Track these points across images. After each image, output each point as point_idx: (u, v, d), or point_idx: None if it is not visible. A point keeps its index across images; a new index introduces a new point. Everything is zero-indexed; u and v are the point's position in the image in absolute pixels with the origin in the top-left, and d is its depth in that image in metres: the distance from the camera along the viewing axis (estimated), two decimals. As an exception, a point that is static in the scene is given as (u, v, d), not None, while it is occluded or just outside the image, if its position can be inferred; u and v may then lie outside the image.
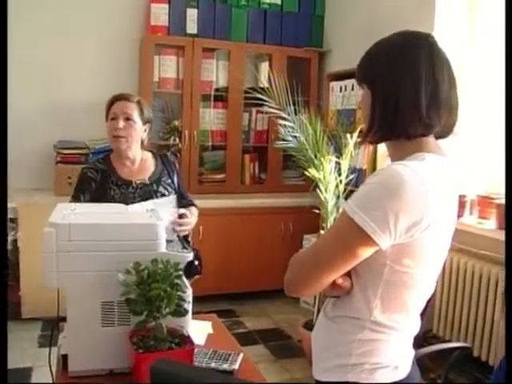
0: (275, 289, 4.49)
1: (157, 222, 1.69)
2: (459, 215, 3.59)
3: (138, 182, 2.55)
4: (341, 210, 1.31)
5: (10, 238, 4.09)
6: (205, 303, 4.17)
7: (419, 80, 1.27)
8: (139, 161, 2.60)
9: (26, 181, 4.58)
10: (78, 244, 1.62)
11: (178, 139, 4.75)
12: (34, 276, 4.01)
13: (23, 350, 3.69)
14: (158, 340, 1.55)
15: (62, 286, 1.64)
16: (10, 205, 4.01)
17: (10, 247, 4.10)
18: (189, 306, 1.63)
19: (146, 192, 2.54)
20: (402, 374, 1.37)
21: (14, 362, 3.50)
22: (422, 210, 1.22)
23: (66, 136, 4.51)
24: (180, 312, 1.55)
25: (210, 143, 4.91)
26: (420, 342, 3.31)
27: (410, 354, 1.43)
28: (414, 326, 1.43)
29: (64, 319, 1.73)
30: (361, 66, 1.42)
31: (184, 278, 1.62)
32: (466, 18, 3.77)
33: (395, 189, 1.20)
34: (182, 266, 1.62)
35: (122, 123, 2.46)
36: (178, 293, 1.52)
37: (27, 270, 4.03)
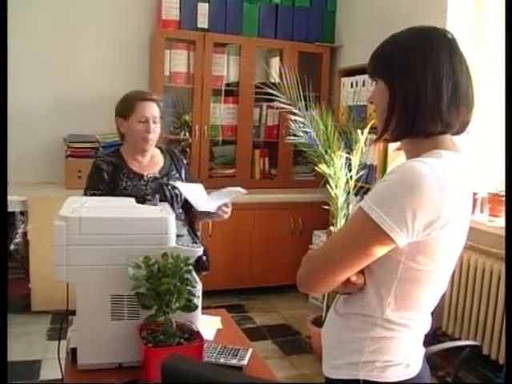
0: (284, 284, 4.50)
1: (167, 216, 1.68)
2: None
3: (148, 175, 2.58)
4: (352, 207, 1.31)
5: (19, 231, 4.11)
6: (214, 298, 4.18)
7: (440, 79, 1.26)
8: (149, 156, 2.63)
9: (36, 174, 4.60)
10: (88, 237, 1.62)
11: (188, 134, 4.74)
12: (44, 269, 4.06)
13: (32, 343, 3.71)
14: (168, 335, 1.55)
15: (72, 279, 1.64)
16: (20, 198, 4.04)
17: (19, 240, 4.12)
18: (198, 301, 1.62)
19: (157, 185, 2.57)
20: (413, 372, 1.36)
21: (23, 354, 3.53)
22: (440, 207, 1.20)
23: (76, 130, 4.52)
24: (190, 307, 1.55)
25: (221, 138, 4.91)
26: (429, 339, 3.30)
27: (420, 351, 1.42)
28: (426, 324, 1.41)
29: (73, 312, 1.73)
30: (376, 60, 1.38)
31: (194, 273, 1.61)
32: (476, 12, 3.74)
33: (413, 186, 1.18)
34: (192, 260, 1.62)
35: (153, 126, 2.52)
36: (188, 287, 1.51)
37: (37, 263, 4.04)
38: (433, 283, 1.32)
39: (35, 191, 4.23)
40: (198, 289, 1.65)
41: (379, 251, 1.23)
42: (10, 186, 4.32)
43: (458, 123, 1.30)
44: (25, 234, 4.09)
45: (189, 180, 2.74)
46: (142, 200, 2.07)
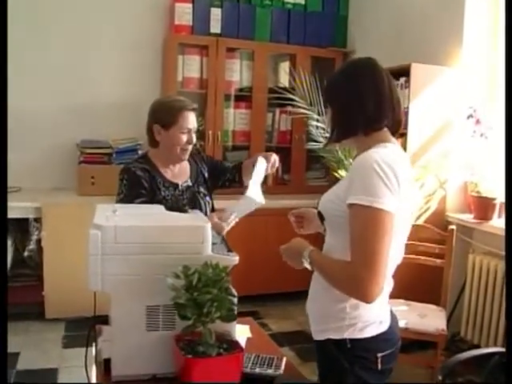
0: (300, 290, 4.45)
1: (204, 224, 1.65)
2: (488, 218, 3.54)
3: (184, 184, 2.52)
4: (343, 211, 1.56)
5: (33, 238, 4.08)
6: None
7: (363, 90, 1.64)
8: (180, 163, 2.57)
9: (49, 180, 4.58)
10: (124, 246, 1.58)
11: (195, 139, 4.69)
12: (58, 276, 4.04)
13: (47, 351, 3.68)
14: (207, 345, 1.51)
15: (107, 289, 1.61)
16: (33, 204, 4.01)
17: (33, 247, 4.10)
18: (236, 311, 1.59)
19: (192, 193, 2.52)
20: (385, 326, 1.69)
21: (38, 362, 3.50)
22: (395, 181, 1.51)
23: (89, 135, 4.50)
24: (230, 317, 1.52)
25: (233, 143, 4.89)
26: (448, 345, 3.25)
27: (388, 309, 1.75)
28: (389, 286, 1.71)
29: (98, 320, 1.70)
30: (324, 93, 1.82)
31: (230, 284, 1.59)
32: (491, 17, 3.73)
33: (376, 168, 1.50)
34: (229, 269, 1.59)
35: (195, 138, 2.48)
36: (229, 297, 1.48)
37: (51, 271, 4.01)
38: (394, 251, 1.59)
39: (48, 197, 4.21)
40: (236, 296, 1.62)
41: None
42: (23, 192, 4.34)
43: (388, 120, 1.66)
44: (39, 241, 4.06)
45: (216, 166, 2.71)
46: (179, 210, 2.01)
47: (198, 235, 1.63)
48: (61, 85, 4.57)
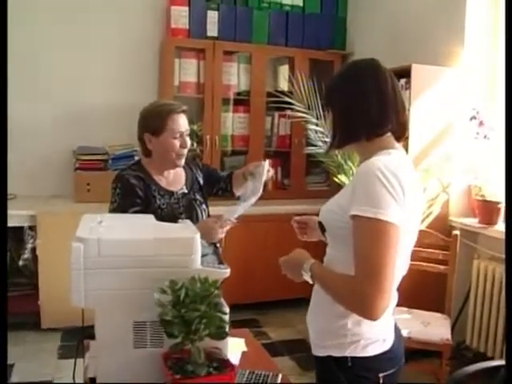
0: (299, 297, 4.37)
1: (193, 236, 1.56)
2: (493, 222, 3.46)
3: (179, 192, 2.42)
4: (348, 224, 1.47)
5: (28, 247, 4.01)
6: (228, 313, 4.05)
7: (365, 92, 1.55)
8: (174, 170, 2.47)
9: (44, 188, 4.51)
10: (108, 260, 1.50)
11: (196, 144, 4.64)
12: (54, 285, 3.96)
13: (43, 362, 3.60)
14: (196, 365, 1.43)
15: (91, 305, 1.52)
16: (28, 212, 3.94)
17: (28, 256, 4.03)
18: (228, 328, 1.50)
19: (188, 201, 2.42)
20: (388, 344, 1.61)
21: (33, 374, 3.42)
22: (400, 190, 1.43)
23: (85, 142, 4.43)
24: (220, 334, 1.43)
25: (231, 148, 4.81)
26: (453, 353, 3.15)
27: (392, 324, 1.67)
28: (394, 301, 1.62)
29: (87, 334, 1.62)
30: (323, 96, 1.71)
31: (222, 298, 1.50)
32: (492, 16, 3.65)
33: (380, 176, 1.42)
34: (219, 283, 1.50)
35: (188, 141, 2.37)
36: (219, 314, 1.40)
37: (46, 280, 3.93)
38: (399, 265, 1.49)
39: (44, 205, 4.14)
40: (227, 312, 1.54)
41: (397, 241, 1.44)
42: (18, 199, 4.27)
43: (392, 124, 1.57)
44: (33, 250, 3.99)
45: (211, 174, 2.65)
46: (175, 219, 1.92)
47: (186, 247, 1.54)
48: (55, 91, 4.51)
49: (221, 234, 2.26)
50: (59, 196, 4.46)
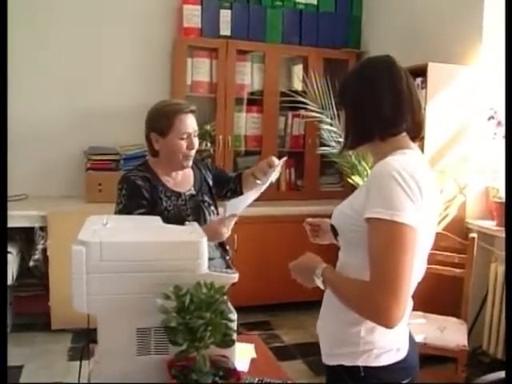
0: (313, 300, 4.30)
1: (199, 239, 1.50)
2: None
3: (187, 193, 2.36)
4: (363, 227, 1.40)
5: (39, 247, 3.98)
6: (239, 315, 3.97)
7: (379, 90, 1.50)
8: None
9: (56, 188, 4.51)
10: (111, 264, 1.44)
11: (209, 144, 4.59)
12: (64, 286, 3.85)
13: (52, 363, 3.57)
14: (201, 373, 1.37)
15: (93, 310, 1.47)
16: (39, 213, 3.92)
17: (39, 256, 4.00)
18: (235, 335, 1.44)
19: (196, 203, 2.36)
20: (403, 354, 1.54)
21: (43, 375, 3.39)
22: (417, 191, 1.38)
23: (96, 142, 4.41)
24: (226, 342, 1.37)
25: (245, 148, 4.76)
26: (469, 359, 3.06)
27: (406, 332, 1.59)
28: (409, 308, 1.53)
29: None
30: (337, 95, 1.65)
31: (229, 303, 1.44)
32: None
33: (397, 178, 1.36)
34: (226, 288, 1.44)
35: (194, 141, 2.30)
36: (225, 321, 1.34)
37: (57, 281, 3.90)
38: (415, 270, 1.41)
39: (55, 206, 4.12)
40: (234, 319, 1.48)
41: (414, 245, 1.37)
42: (30, 200, 4.25)
43: (407, 124, 1.51)
44: (44, 250, 3.96)
45: (221, 175, 2.59)
46: (182, 221, 1.86)
47: (192, 251, 1.48)
48: (67, 91, 4.49)
49: (227, 233, 2.19)
50: (71, 196, 4.45)
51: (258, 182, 2.27)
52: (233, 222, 2.19)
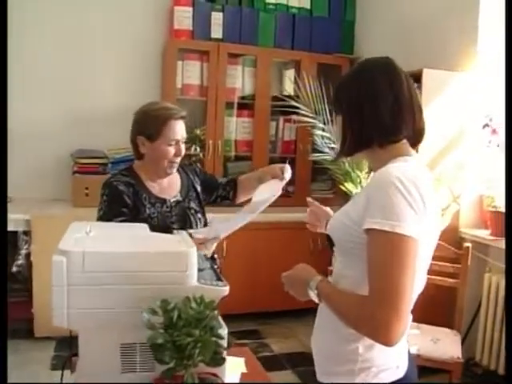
0: (304, 308, 4.22)
1: (188, 250, 1.42)
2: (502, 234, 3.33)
3: (172, 199, 2.28)
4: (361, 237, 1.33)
5: (23, 252, 3.88)
6: (228, 323, 3.88)
7: (377, 93, 1.42)
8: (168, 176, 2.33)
9: (42, 191, 4.42)
10: (94, 276, 1.36)
11: (198, 148, 4.51)
12: (48, 293, 3.80)
13: (35, 373, 3.45)
14: (189, 393, 1.29)
15: (74, 325, 1.39)
16: (23, 217, 3.82)
17: (22, 262, 3.90)
18: (225, 353, 1.35)
19: (182, 210, 2.27)
20: (402, 372, 1.47)
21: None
22: (420, 201, 1.31)
23: (84, 145, 4.32)
24: (216, 361, 1.29)
25: (235, 153, 4.68)
26: (462, 369, 2.99)
27: (406, 349, 1.52)
28: (408, 324, 1.42)
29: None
30: (332, 99, 1.57)
31: (219, 318, 1.36)
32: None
33: (399, 186, 1.29)
34: (217, 302, 1.36)
35: (182, 148, 2.23)
36: (215, 339, 1.26)
37: (41, 287, 3.79)
38: (416, 281, 1.34)
39: (40, 209, 4.02)
40: (225, 335, 1.40)
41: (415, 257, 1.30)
42: (14, 203, 4.13)
43: (408, 130, 1.45)
44: (28, 255, 3.86)
45: (209, 181, 2.50)
46: (167, 229, 1.77)
47: (180, 262, 1.40)
48: (55, 93, 4.41)
49: (207, 255, 2.08)
50: (57, 200, 4.35)
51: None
52: (215, 244, 2.13)
